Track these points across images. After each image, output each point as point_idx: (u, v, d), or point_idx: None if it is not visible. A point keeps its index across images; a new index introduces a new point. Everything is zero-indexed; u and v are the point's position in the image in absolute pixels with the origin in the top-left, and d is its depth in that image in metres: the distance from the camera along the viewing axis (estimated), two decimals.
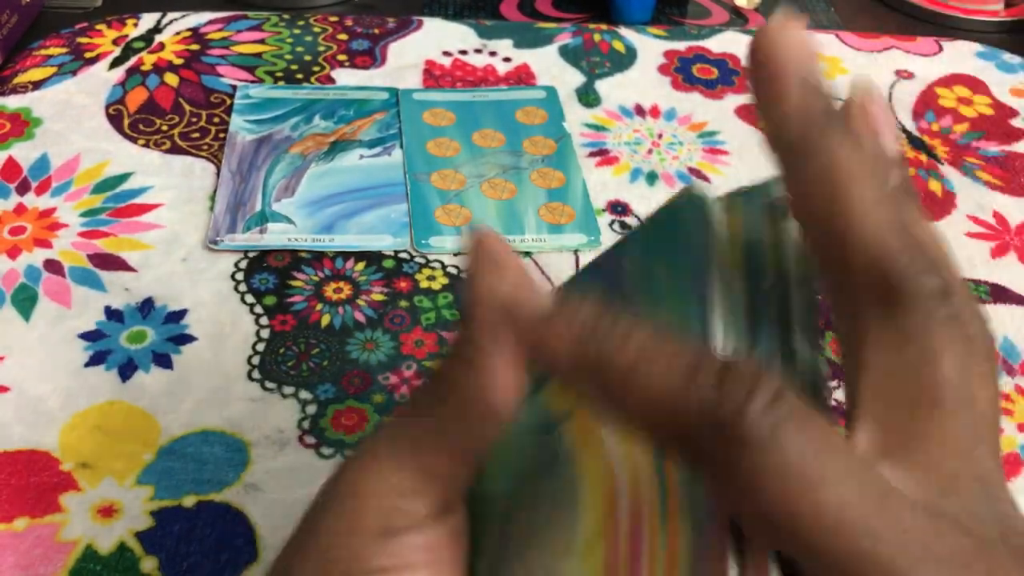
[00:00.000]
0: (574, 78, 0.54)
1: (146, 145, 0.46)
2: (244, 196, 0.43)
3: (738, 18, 0.63)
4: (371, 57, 0.54)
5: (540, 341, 0.17)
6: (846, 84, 0.48)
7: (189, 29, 0.55)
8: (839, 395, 0.37)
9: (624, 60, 0.55)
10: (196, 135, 0.47)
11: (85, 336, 0.37)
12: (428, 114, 0.50)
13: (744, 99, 0.53)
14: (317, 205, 0.43)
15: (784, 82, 0.18)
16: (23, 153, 0.45)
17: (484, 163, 0.47)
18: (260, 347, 0.37)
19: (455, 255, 0.42)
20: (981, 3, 0.64)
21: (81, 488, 0.32)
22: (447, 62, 0.54)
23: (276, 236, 0.42)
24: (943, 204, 0.47)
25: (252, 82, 0.51)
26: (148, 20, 0.56)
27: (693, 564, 0.16)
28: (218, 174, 0.45)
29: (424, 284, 0.40)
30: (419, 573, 0.18)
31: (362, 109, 0.50)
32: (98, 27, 0.55)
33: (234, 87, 0.50)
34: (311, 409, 0.35)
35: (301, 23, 0.57)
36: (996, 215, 0.46)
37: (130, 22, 0.55)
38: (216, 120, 0.48)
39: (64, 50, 0.53)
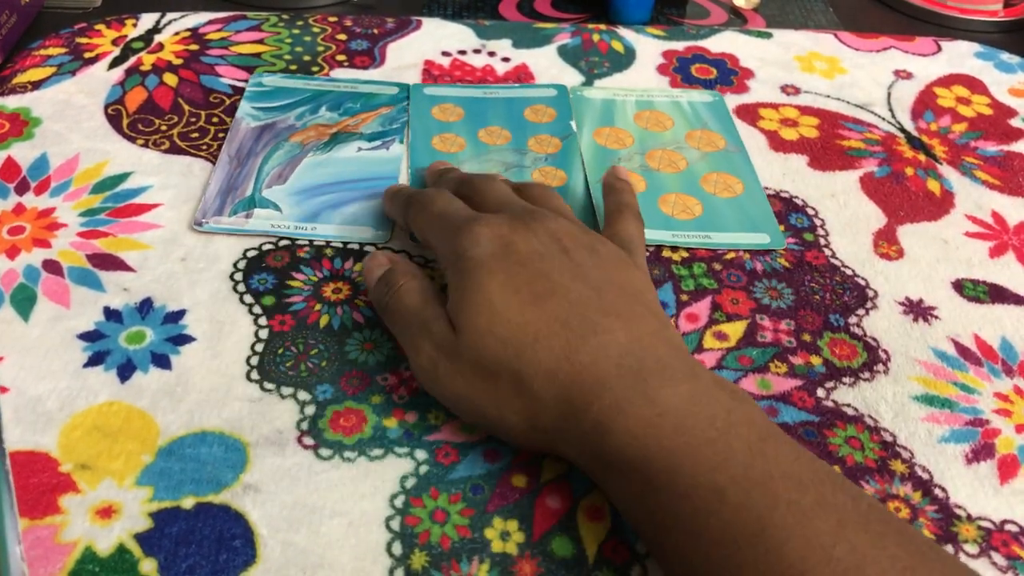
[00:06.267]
0: (573, 78, 0.54)
1: (145, 145, 0.46)
2: (237, 181, 0.44)
3: (737, 18, 0.63)
4: (370, 57, 0.54)
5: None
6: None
7: (188, 29, 0.55)
8: (836, 396, 0.37)
9: (623, 60, 0.55)
10: (195, 135, 0.47)
11: (84, 336, 0.37)
12: (437, 109, 0.50)
13: (743, 99, 0.53)
14: (306, 194, 0.43)
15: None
16: (22, 153, 0.45)
17: (487, 160, 0.47)
18: (259, 347, 0.37)
19: None
20: (980, 3, 0.64)
21: (80, 489, 0.32)
22: (446, 62, 0.54)
23: (260, 222, 0.42)
24: (941, 204, 0.47)
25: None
26: (147, 20, 0.56)
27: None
28: None
29: None
30: None
31: (369, 103, 0.50)
32: (97, 27, 0.55)
33: (233, 88, 0.50)
34: (310, 410, 0.35)
35: (300, 23, 0.57)
36: (995, 215, 0.46)
37: (129, 22, 0.55)
38: (215, 120, 0.48)
39: (63, 50, 0.53)
